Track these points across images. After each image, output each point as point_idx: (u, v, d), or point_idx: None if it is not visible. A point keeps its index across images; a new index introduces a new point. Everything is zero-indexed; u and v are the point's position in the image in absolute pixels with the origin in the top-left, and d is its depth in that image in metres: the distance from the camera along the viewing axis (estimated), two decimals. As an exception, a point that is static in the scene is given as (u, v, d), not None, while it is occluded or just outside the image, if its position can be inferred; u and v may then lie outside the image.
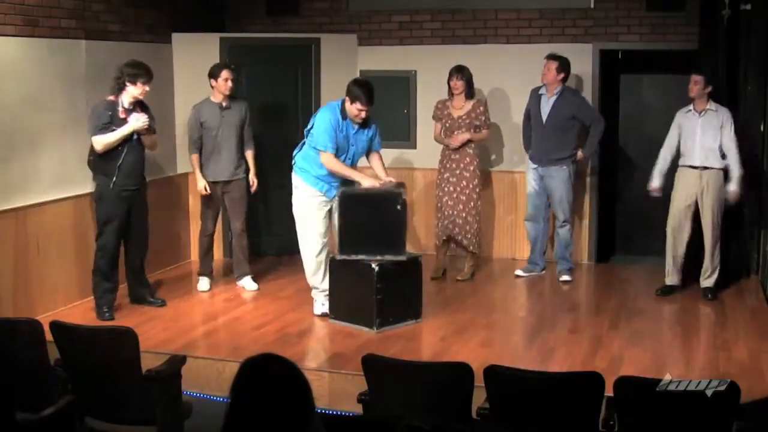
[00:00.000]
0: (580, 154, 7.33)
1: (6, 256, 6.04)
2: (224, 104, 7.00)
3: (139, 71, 6.25)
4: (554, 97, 7.23)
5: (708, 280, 6.88)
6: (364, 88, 6.13)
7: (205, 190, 7.00)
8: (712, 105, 6.74)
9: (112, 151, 6.24)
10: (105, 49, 6.88)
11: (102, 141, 6.20)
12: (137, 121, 6.26)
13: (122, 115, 6.27)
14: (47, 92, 6.38)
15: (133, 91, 6.25)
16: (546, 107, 7.26)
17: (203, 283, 7.22)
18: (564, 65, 7.20)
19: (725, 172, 6.75)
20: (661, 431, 3.77)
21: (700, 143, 6.73)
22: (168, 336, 5.97)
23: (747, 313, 6.54)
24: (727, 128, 6.69)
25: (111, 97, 6.30)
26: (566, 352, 5.70)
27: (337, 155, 6.19)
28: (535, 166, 7.38)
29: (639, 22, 7.84)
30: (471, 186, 7.35)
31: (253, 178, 7.17)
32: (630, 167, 8.61)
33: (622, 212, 8.75)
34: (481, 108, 7.35)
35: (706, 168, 6.73)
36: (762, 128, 7.25)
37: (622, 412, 3.78)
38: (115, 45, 7.07)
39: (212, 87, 7.01)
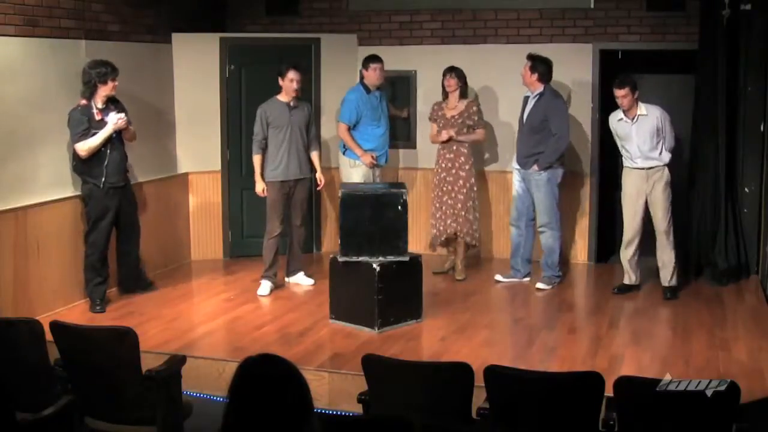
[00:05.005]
0: (535, 167, 7.09)
1: (6, 256, 6.04)
2: (292, 104, 7.01)
3: (107, 70, 6.38)
4: (535, 99, 7.14)
5: (671, 279, 6.90)
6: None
7: (263, 192, 6.99)
8: (642, 109, 6.75)
9: (96, 154, 6.37)
10: (105, 49, 6.87)
11: (86, 147, 6.31)
12: (117, 120, 6.39)
13: (98, 117, 6.39)
14: (47, 92, 6.38)
15: (104, 91, 6.39)
16: (528, 108, 7.20)
17: (264, 287, 7.07)
18: (537, 64, 7.07)
19: (670, 168, 6.82)
20: (661, 431, 3.77)
21: (639, 147, 6.77)
22: (168, 336, 5.97)
23: (747, 313, 6.54)
24: (666, 127, 6.74)
25: (83, 102, 6.39)
26: (566, 352, 5.70)
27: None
28: (518, 167, 7.29)
29: (639, 22, 7.83)
30: (468, 185, 7.38)
31: (320, 176, 7.25)
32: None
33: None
34: (474, 108, 7.37)
35: (651, 168, 6.80)
36: (762, 128, 7.26)
37: (622, 412, 3.78)
38: (115, 45, 7.07)
39: (281, 86, 7.00)
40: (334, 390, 5.19)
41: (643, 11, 7.80)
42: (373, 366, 4.12)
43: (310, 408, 2.35)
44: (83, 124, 6.33)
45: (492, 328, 6.27)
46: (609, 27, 7.91)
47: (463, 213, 7.39)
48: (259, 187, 7.01)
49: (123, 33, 7.23)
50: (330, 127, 8.30)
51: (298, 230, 7.23)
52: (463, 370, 3.91)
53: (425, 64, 8.20)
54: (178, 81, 7.97)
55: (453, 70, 7.33)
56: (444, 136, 7.36)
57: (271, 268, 7.09)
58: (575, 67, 7.91)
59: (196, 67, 8.01)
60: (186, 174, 8.10)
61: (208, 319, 6.53)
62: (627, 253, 6.99)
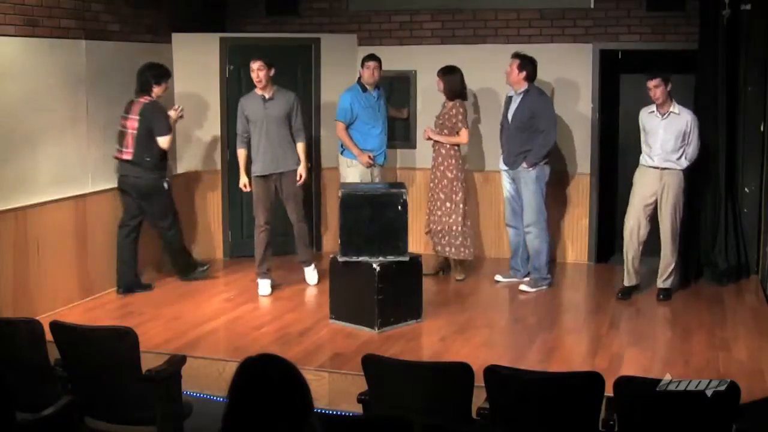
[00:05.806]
0: (524, 164, 7.06)
1: (6, 256, 6.04)
2: (267, 96, 6.93)
3: (164, 72, 6.82)
4: (519, 97, 7.11)
5: (666, 281, 6.86)
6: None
7: (245, 187, 7.03)
8: (675, 107, 6.69)
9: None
10: (105, 49, 6.89)
11: (170, 138, 6.78)
12: (179, 113, 6.88)
13: None
14: (47, 92, 6.39)
15: (158, 91, 6.76)
16: (513, 107, 7.17)
17: (264, 286, 7.04)
18: (526, 63, 7.04)
19: (685, 173, 6.75)
20: (660, 431, 3.77)
21: (662, 145, 6.70)
22: (168, 336, 5.97)
23: (747, 313, 6.54)
24: (694, 134, 6.66)
25: (148, 98, 6.74)
26: (566, 352, 5.71)
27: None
28: (506, 168, 7.26)
29: (639, 22, 7.84)
30: (441, 186, 7.35)
31: (300, 170, 7.04)
32: (630, 167, 8.57)
33: (622, 212, 8.73)
34: (454, 111, 7.28)
35: (666, 168, 6.72)
36: (762, 128, 7.26)
37: (622, 412, 3.78)
38: (115, 45, 7.08)
39: None
40: (334, 390, 5.19)
41: (643, 11, 7.81)
42: (373, 366, 4.12)
43: (310, 408, 2.35)
44: (167, 117, 6.74)
45: (492, 328, 6.27)
46: (609, 27, 7.91)
47: (438, 213, 7.37)
48: (241, 181, 7.06)
49: (123, 33, 7.24)
50: (329, 128, 8.30)
51: (298, 226, 7.17)
52: (463, 370, 3.91)
53: (425, 64, 8.20)
54: (178, 81, 7.96)
55: (440, 71, 7.36)
56: (423, 135, 7.56)
57: (263, 264, 7.05)
58: (575, 67, 7.91)
59: (196, 67, 8.01)
60: (186, 174, 8.10)
61: (208, 319, 6.51)
62: (630, 252, 6.93)
